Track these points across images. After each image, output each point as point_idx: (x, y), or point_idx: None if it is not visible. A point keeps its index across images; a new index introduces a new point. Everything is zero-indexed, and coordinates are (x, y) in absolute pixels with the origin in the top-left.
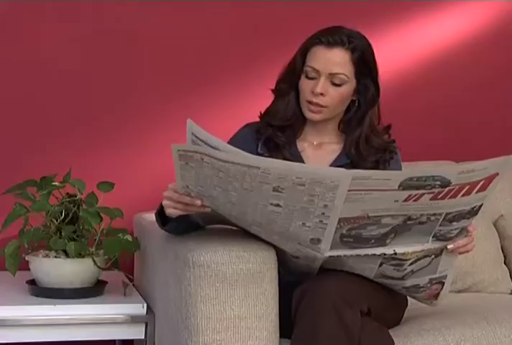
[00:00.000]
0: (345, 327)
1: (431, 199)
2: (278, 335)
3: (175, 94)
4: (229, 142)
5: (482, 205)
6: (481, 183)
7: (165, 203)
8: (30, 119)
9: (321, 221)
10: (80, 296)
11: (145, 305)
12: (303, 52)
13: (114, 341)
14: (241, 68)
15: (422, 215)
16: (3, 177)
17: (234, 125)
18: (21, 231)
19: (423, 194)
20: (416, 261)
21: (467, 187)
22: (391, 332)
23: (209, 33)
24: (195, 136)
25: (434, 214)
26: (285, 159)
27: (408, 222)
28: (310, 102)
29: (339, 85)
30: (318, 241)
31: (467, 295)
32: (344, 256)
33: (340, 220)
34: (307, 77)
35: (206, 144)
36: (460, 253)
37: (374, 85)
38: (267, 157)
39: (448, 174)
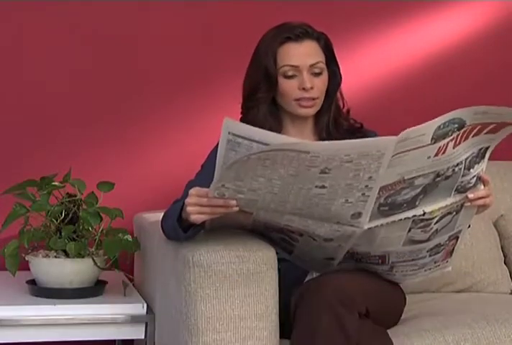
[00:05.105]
0: (342, 328)
1: (453, 147)
2: (278, 335)
3: (175, 95)
4: (209, 157)
5: (488, 148)
6: (492, 126)
7: (189, 209)
8: (30, 119)
9: (363, 194)
10: (80, 296)
11: (145, 305)
12: (272, 55)
13: (114, 341)
14: (241, 69)
15: (448, 168)
16: (3, 177)
17: None
18: (21, 231)
19: (448, 143)
20: (440, 219)
21: (478, 127)
22: (391, 332)
23: (209, 35)
24: (234, 135)
25: (457, 164)
26: None
27: (437, 179)
28: (299, 99)
29: (319, 74)
30: (359, 215)
31: (467, 295)
32: (381, 225)
33: (380, 189)
34: (285, 77)
35: (248, 140)
36: (479, 207)
37: (338, 70)
38: None
39: (465, 115)
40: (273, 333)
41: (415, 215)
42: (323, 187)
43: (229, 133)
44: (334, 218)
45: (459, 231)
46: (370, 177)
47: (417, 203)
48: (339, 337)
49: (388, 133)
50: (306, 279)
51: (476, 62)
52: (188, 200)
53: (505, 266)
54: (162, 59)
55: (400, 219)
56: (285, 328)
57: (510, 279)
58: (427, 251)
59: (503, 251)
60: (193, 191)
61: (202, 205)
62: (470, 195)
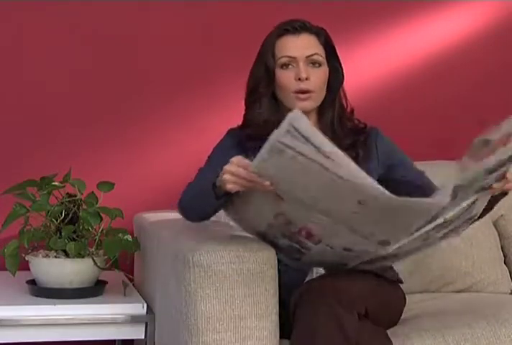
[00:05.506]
0: (342, 328)
1: None
2: (278, 335)
3: (175, 95)
4: (215, 149)
5: None
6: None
7: (226, 177)
8: (30, 119)
9: None
10: (80, 296)
11: (145, 305)
12: (270, 48)
13: (114, 341)
14: (241, 69)
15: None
16: (3, 177)
17: (233, 126)
18: (21, 231)
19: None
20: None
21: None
22: (391, 332)
23: (209, 35)
24: (295, 129)
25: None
26: None
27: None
28: (297, 91)
29: (317, 67)
30: (387, 243)
31: (467, 295)
32: (403, 244)
33: None
34: (283, 68)
35: (306, 140)
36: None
37: (341, 68)
38: None
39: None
40: (273, 333)
41: (436, 225)
42: (356, 212)
43: (291, 125)
44: (362, 233)
45: (475, 215)
46: (411, 225)
47: (439, 216)
48: (338, 337)
49: (388, 133)
50: (306, 279)
51: (476, 62)
52: (227, 168)
53: (505, 266)
54: (162, 59)
55: (421, 234)
56: (285, 328)
57: (510, 279)
58: (440, 238)
59: (503, 251)
60: (234, 159)
61: (239, 176)
62: (495, 185)
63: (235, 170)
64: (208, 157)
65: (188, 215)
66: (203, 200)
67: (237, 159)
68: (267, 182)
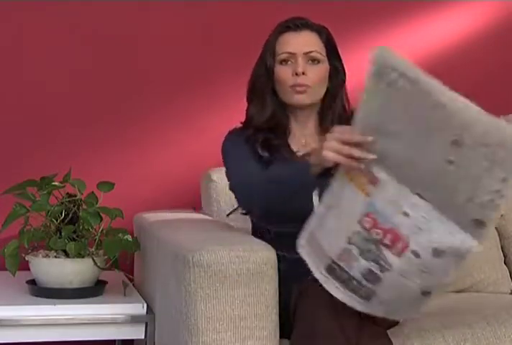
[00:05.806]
0: (342, 328)
1: None
2: (278, 335)
3: (175, 95)
4: (231, 148)
5: None
6: None
7: (327, 144)
8: (30, 119)
9: (491, 200)
10: (80, 296)
11: (145, 305)
12: (272, 45)
13: (114, 341)
14: (241, 69)
15: None
16: (3, 177)
17: (233, 126)
18: (21, 231)
19: None
20: None
21: None
22: (391, 332)
23: (209, 35)
24: (386, 67)
25: None
26: (285, 159)
27: None
28: (293, 85)
29: (315, 64)
30: (482, 224)
31: (467, 295)
32: None
33: None
34: (282, 64)
35: (398, 72)
36: None
37: (342, 68)
38: (268, 158)
39: None
40: (273, 333)
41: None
42: (451, 162)
43: (381, 65)
44: (455, 213)
45: None
46: (505, 179)
47: None
48: (338, 337)
49: None
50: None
51: (476, 62)
52: (329, 135)
53: (505, 266)
54: (162, 59)
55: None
56: (285, 328)
57: (510, 279)
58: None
59: (503, 251)
60: (339, 128)
61: (342, 141)
62: None
63: (339, 136)
64: (227, 157)
65: (270, 209)
66: (293, 183)
67: (339, 128)
68: (370, 137)
